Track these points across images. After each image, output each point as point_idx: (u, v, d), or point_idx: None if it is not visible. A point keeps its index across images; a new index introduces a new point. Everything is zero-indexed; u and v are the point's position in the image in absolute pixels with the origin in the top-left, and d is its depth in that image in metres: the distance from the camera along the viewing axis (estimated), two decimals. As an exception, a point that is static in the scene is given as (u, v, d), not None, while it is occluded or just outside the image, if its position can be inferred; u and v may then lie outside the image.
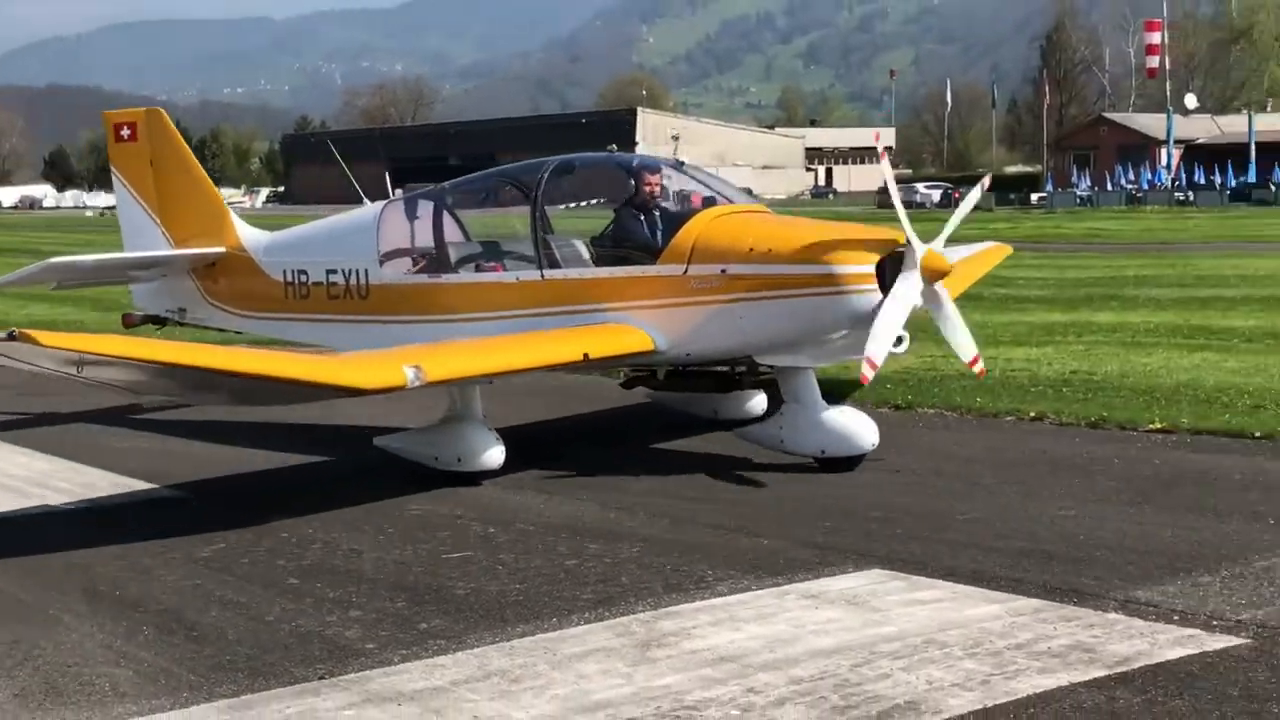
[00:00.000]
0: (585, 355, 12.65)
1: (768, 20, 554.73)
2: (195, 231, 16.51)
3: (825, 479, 12.63)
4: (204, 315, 16.59)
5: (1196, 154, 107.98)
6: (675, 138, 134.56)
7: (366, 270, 14.70)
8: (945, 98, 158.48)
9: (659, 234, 13.25)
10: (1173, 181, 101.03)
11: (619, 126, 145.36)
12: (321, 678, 7.78)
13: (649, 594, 9.20)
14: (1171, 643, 7.86)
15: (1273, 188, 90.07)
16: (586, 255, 13.69)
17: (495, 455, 12.68)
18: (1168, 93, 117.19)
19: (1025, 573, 9.37)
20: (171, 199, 16.76)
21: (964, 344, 12.71)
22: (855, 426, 12.88)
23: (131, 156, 17.09)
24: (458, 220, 14.78)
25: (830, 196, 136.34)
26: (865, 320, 12.08)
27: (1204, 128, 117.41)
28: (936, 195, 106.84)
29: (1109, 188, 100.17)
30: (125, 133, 17.10)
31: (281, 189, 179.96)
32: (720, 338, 12.82)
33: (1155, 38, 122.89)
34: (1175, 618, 8.30)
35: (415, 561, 10.24)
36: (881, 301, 12.04)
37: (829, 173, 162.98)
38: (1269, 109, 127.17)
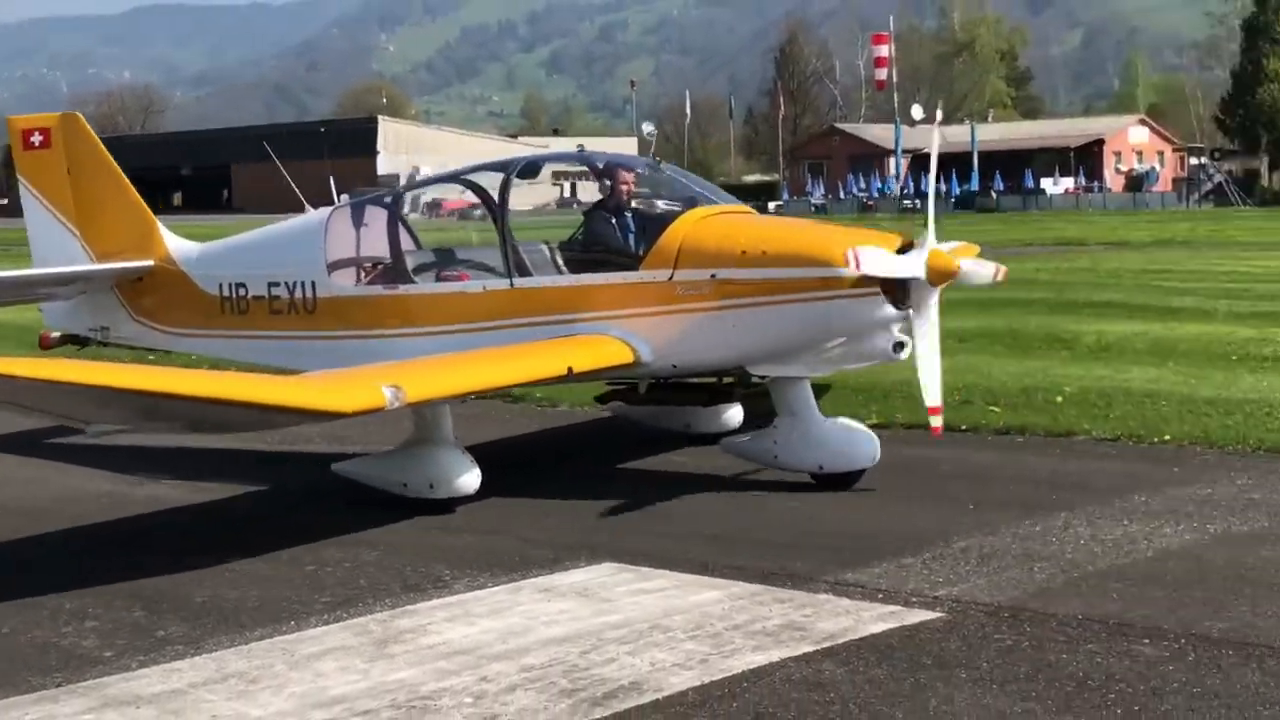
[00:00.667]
0: (570, 369, 11.93)
1: (509, 29, 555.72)
2: (121, 244, 15.27)
3: (556, 478, 13.04)
4: (130, 334, 15.36)
5: (923, 163, 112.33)
6: (416, 169, 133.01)
7: (313, 283, 13.67)
8: (685, 108, 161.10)
9: (638, 238, 12.67)
10: (901, 190, 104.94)
11: (359, 135, 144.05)
12: (59, 685, 7.85)
13: (387, 595, 9.47)
14: (874, 619, 8.48)
15: (994, 195, 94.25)
16: (558, 261, 13.09)
17: (470, 480, 11.81)
18: (895, 104, 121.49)
19: (746, 560, 9.93)
20: (92, 209, 15.56)
21: (930, 386, 11.52)
22: (853, 441, 12.28)
23: (44, 165, 15.83)
24: (410, 228, 13.92)
25: (575, 207, 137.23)
26: (868, 327, 11.72)
27: (929, 138, 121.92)
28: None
29: (842, 196, 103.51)
30: (36, 139, 15.81)
31: (4, 201, 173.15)
32: (710, 348, 12.14)
33: (883, 51, 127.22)
34: (880, 596, 8.94)
35: (154, 570, 10.28)
36: (901, 315, 11.55)
37: (573, 184, 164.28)
38: (990, 119, 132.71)
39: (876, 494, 11.98)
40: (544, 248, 13.28)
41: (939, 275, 11.43)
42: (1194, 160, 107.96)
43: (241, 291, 14.22)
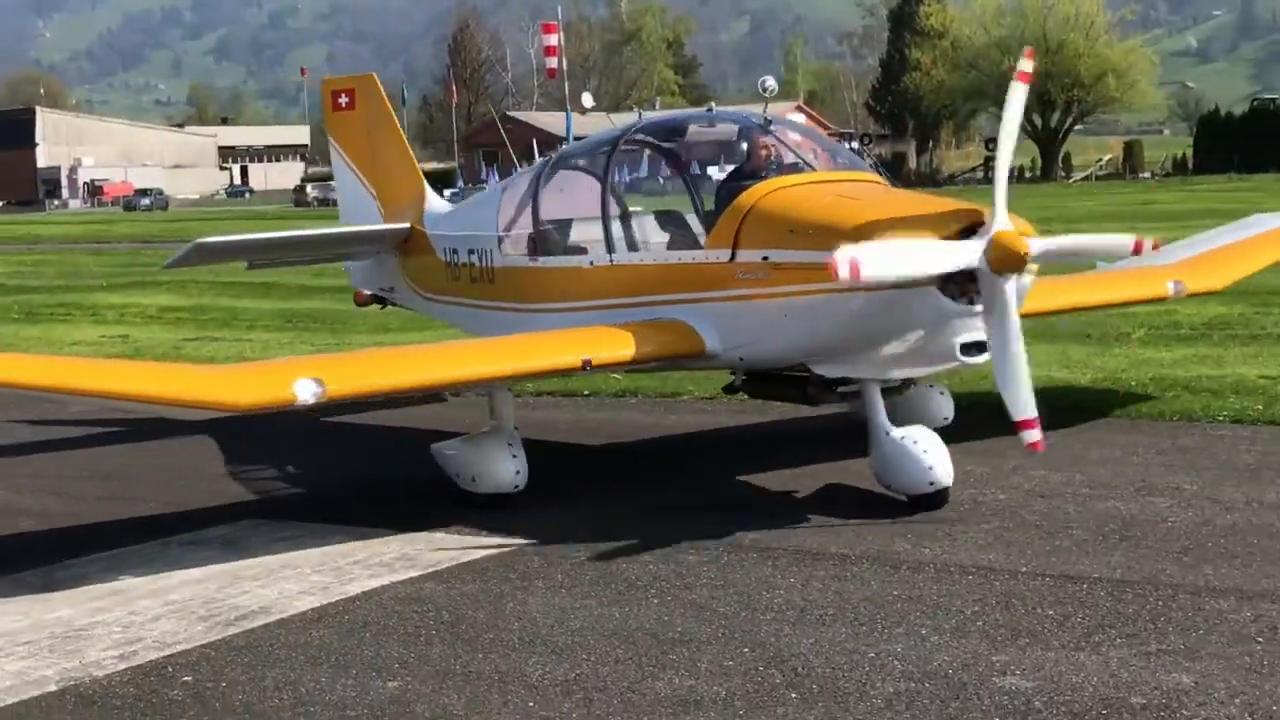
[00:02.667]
0: (586, 363, 10.78)
1: (174, 15, 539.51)
2: (401, 205, 15.14)
3: (198, 445, 14.18)
4: (404, 296, 15.11)
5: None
6: (98, 187, 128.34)
7: (491, 251, 13.11)
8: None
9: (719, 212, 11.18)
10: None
11: (17, 126, 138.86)
12: None
13: (49, 552, 10.53)
14: (478, 549, 10.00)
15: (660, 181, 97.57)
16: (662, 238, 12.01)
17: (506, 477, 11.14)
18: (566, 92, 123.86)
19: (376, 512, 11.34)
20: (384, 170, 15.57)
21: (1020, 397, 9.50)
22: (917, 459, 10.31)
23: (349, 126, 15.93)
24: (563, 194, 12.76)
25: (247, 195, 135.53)
26: (923, 324, 9.87)
27: (600, 125, 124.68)
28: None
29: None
30: (344, 100, 15.99)
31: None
32: (769, 338, 10.74)
33: (552, 39, 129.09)
34: (483, 534, 10.43)
35: None
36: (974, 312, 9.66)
37: (244, 171, 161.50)
38: (658, 107, 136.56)
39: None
40: (652, 221, 12.26)
41: (1004, 262, 9.39)
42: (852, 144, 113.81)
43: (455, 256, 13.85)
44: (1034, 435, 9.45)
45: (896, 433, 10.47)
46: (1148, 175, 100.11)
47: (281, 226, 59.59)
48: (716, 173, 12.33)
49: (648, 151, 13.15)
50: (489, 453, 11.27)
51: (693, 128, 12.53)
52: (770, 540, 9.79)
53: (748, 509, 10.75)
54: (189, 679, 7.67)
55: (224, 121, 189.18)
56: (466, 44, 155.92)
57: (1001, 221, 9.48)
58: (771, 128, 11.76)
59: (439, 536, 10.44)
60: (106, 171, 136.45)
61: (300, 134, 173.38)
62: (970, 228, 9.63)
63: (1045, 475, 11.21)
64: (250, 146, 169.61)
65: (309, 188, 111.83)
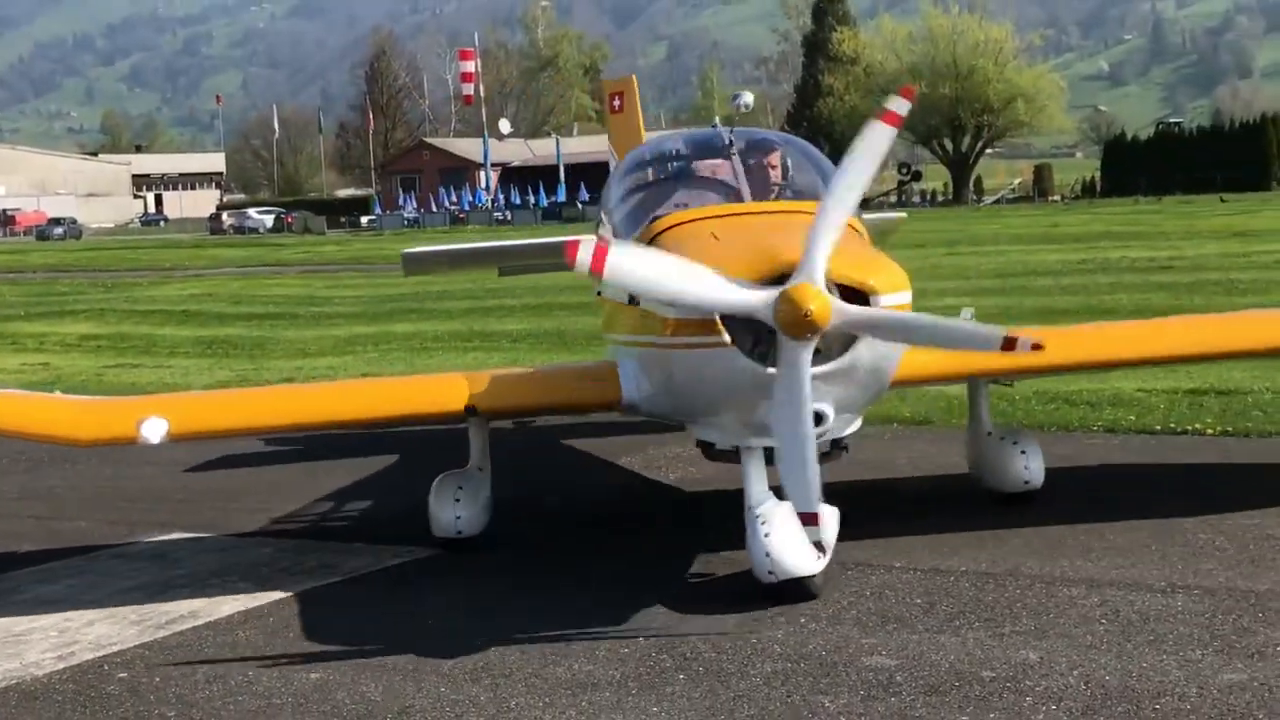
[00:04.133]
0: (469, 408, 10.17)
1: (86, 42, 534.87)
2: None
3: (140, 467, 14.69)
4: None
5: (512, 176, 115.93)
6: (10, 216, 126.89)
7: None
8: (273, 123, 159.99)
9: None
10: (492, 201, 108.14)
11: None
12: None
13: (-19, 568, 11.07)
14: (391, 556, 10.65)
15: (580, 205, 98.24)
16: None
17: (446, 523, 10.43)
18: (484, 118, 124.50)
19: (296, 526, 11.96)
20: None
21: (803, 488, 8.14)
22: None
23: (621, 128, 15.59)
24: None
25: (162, 224, 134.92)
26: (726, 387, 8.62)
27: (517, 151, 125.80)
28: (270, 220, 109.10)
29: (434, 209, 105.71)
30: (616, 103, 15.77)
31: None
32: (651, 388, 9.73)
33: (470, 66, 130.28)
34: (399, 540, 11.06)
35: None
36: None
37: (159, 199, 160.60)
38: (575, 133, 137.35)
39: (395, 467, 14.17)
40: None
41: (787, 320, 7.91)
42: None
43: None
44: (816, 534, 8.25)
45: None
46: (1057, 198, 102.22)
47: (199, 254, 59.84)
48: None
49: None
50: (436, 496, 10.58)
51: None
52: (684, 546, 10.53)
53: (650, 523, 11.48)
54: (124, 675, 8.25)
55: (138, 149, 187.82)
56: (383, 70, 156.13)
57: (806, 273, 7.89)
58: (733, 150, 10.47)
59: (357, 547, 11.07)
60: (18, 201, 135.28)
61: (215, 162, 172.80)
62: (781, 273, 8.07)
63: (928, 478, 12.04)
64: (165, 174, 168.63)
65: (224, 215, 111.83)
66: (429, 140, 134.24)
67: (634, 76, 16.87)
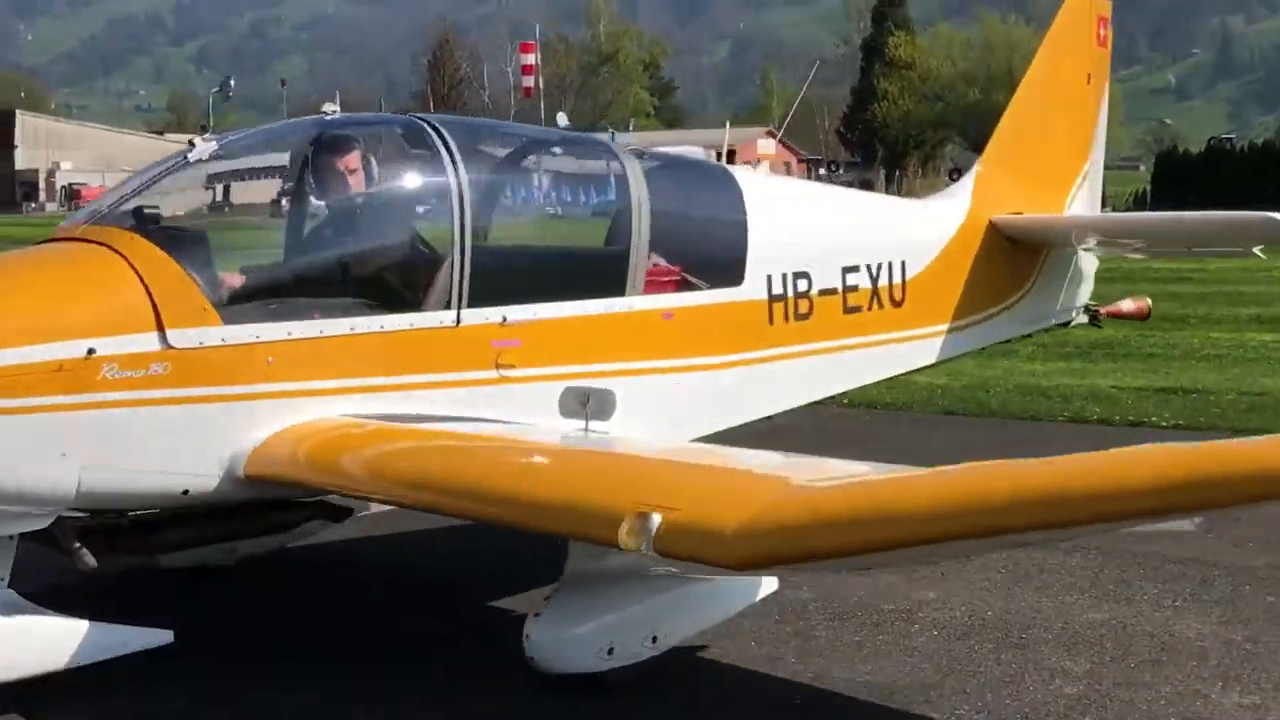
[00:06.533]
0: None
1: (156, 21, 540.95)
2: None
3: None
4: None
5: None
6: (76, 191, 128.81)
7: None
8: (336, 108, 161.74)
9: None
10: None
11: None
12: None
13: None
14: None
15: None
16: None
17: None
18: (542, 111, 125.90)
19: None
20: None
21: None
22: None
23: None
24: None
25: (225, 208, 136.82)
26: None
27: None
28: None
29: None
30: (1101, 33, 14.45)
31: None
32: None
33: (530, 59, 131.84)
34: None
35: None
36: None
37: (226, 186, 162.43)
38: (631, 128, 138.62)
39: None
40: None
41: None
42: (820, 171, 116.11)
43: None
44: None
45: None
46: (1109, 209, 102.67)
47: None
48: None
49: None
50: None
51: None
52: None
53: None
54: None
55: (202, 129, 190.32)
56: (445, 61, 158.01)
57: None
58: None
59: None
60: (84, 176, 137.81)
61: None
62: None
63: (883, 451, 13.22)
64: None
65: (283, 201, 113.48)
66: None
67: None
